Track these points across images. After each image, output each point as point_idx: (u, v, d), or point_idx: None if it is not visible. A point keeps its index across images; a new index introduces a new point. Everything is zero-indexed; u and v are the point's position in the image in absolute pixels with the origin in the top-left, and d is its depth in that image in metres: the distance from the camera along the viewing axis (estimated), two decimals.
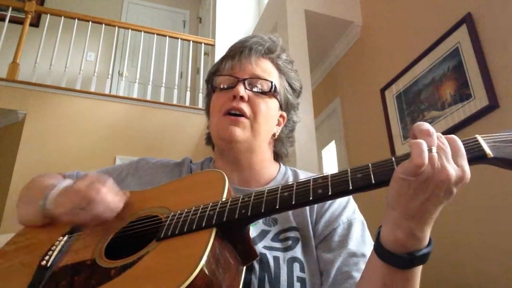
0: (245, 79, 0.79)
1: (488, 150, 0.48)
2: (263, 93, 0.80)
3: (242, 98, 0.78)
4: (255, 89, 0.80)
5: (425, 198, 0.48)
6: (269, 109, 0.81)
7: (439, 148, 0.48)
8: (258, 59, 0.82)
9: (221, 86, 0.82)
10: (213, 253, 0.53)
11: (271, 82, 0.81)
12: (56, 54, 4.08)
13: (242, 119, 0.77)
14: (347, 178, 0.52)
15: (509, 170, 0.49)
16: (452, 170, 0.47)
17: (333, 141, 3.47)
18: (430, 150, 0.47)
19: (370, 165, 0.52)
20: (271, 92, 0.81)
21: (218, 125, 0.79)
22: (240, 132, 0.77)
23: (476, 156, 0.49)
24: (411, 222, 0.49)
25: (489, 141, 0.50)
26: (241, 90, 0.78)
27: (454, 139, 0.49)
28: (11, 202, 3.20)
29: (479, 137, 0.50)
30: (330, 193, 0.52)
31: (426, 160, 0.46)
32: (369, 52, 3.07)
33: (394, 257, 0.51)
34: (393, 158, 0.52)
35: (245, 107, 0.78)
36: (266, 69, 0.82)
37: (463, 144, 0.50)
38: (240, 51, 0.82)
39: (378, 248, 0.53)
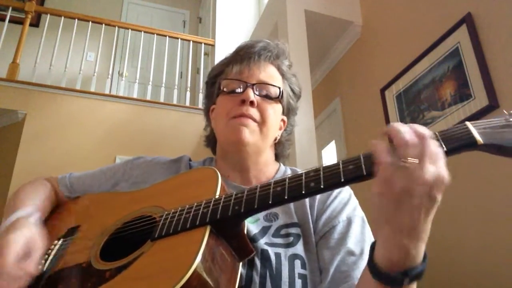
0: (253, 84, 0.80)
1: (478, 137, 0.47)
2: (270, 98, 0.82)
3: (251, 103, 0.78)
4: (263, 95, 0.81)
5: (408, 209, 0.46)
6: (276, 114, 0.83)
7: (414, 152, 0.46)
8: (265, 65, 0.84)
9: (229, 90, 0.82)
10: (208, 251, 0.53)
11: (279, 88, 0.83)
12: (56, 54, 4.07)
13: (251, 121, 0.78)
14: (338, 170, 0.52)
15: (500, 156, 0.49)
16: (428, 174, 0.45)
17: (333, 141, 3.46)
18: (400, 157, 0.46)
19: (361, 156, 0.51)
20: (278, 98, 0.82)
21: (227, 128, 0.79)
22: (249, 135, 0.78)
23: (466, 143, 0.48)
24: (403, 238, 0.47)
25: (479, 127, 0.49)
26: (251, 95, 0.78)
27: (426, 141, 0.46)
28: None
29: (469, 124, 0.49)
30: (322, 186, 0.52)
31: (390, 172, 0.46)
32: (369, 52, 3.06)
33: (388, 277, 0.49)
34: None
35: (254, 112, 0.79)
36: (272, 75, 0.84)
37: (453, 131, 0.49)
38: (248, 56, 0.83)
39: (372, 268, 0.51)
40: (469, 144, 0.48)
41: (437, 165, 0.46)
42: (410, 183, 0.45)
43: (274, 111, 0.82)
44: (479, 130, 0.48)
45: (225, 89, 0.83)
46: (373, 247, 0.52)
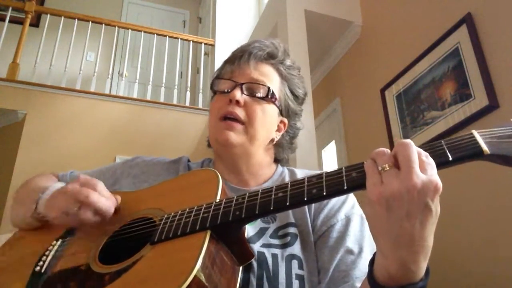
0: (242, 84, 0.80)
1: (485, 147, 0.47)
2: (260, 98, 0.80)
3: (237, 102, 0.78)
4: (252, 94, 0.80)
5: (399, 217, 0.45)
6: (266, 114, 0.81)
7: (403, 160, 0.46)
8: (257, 64, 0.82)
9: (220, 90, 0.82)
10: (208, 256, 0.52)
11: (268, 88, 0.81)
12: (56, 54, 4.08)
13: (236, 124, 0.78)
14: (341, 177, 0.51)
15: (506, 167, 0.48)
16: (417, 179, 0.44)
17: (333, 141, 3.46)
18: (383, 168, 0.46)
19: (364, 163, 0.51)
20: (268, 98, 0.81)
21: (214, 129, 0.80)
22: (235, 137, 0.77)
23: (472, 153, 0.47)
24: (400, 251, 0.46)
25: (485, 136, 0.48)
26: (237, 94, 0.78)
27: (412, 147, 0.46)
28: (11, 202, 3.20)
29: (475, 133, 0.49)
30: (324, 193, 0.51)
31: (377, 178, 0.46)
32: (369, 52, 3.06)
33: None
34: None
35: (240, 111, 0.78)
36: (265, 74, 0.82)
37: (459, 140, 0.49)
38: (240, 55, 0.82)
39: (371, 281, 0.50)
40: (475, 154, 0.47)
41: (428, 172, 0.45)
42: (398, 187, 0.44)
43: (264, 111, 0.80)
44: (485, 139, 0.48)
45: (216, 89, 0.83)
46: (373, 259, 0.51)
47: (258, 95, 0.80)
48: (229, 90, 0.80)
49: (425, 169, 0.45)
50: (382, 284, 0.48)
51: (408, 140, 0.47)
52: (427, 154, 0.47)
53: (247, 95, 0.79)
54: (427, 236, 0.46)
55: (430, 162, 0.46)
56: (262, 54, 0.83)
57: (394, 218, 0.45)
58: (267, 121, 0.81)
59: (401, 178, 0.45)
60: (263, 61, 0.83)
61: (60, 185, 0.74)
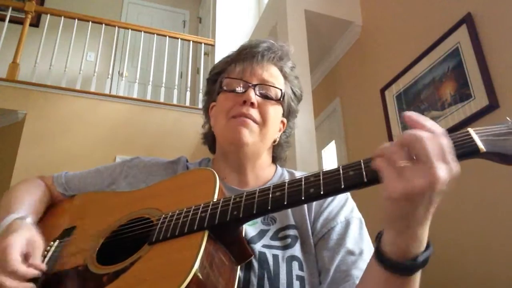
0: (255, 85, 0.80)
1: (480, 145, 0.47)
2: (271, 99, 0.81)
3: (252, 104, 0.78)
4: (264, 95, 0.81)
5: (426, 204, 0.45)
6: (276, 115, 0.83)
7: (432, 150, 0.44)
8: (268, 66, 0.83)
9: (230, 89, 0.82)
10: (206, 256, 0.52)
11: (281, 90, 0.82)
12: (56, 54, 4.07)
13: (251, 122, 0.78)
14: (339, 176, 0.51)
15: (503, 165, 0.48)
16: (442, 172, 0.43)
17: (333, 141, 3.46)
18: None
19: (362, 162, 0.50)
20: (279, 99, 0.82)
21: (227, 128, 0.79)
22: (249, 135, 0.77)
23: (468, 151, 0.47)
24: (418, 229, 0.48)
25: (481, 134, 0.48)
26: (253, 96, 0.78)
27: (438, 138, 0.45)
28: None
29: (471, 131, 0.49)
30: (322, 192, 0.51)
31: (396, 175, 0.45)
32: (369, 52, 3.06)
33: (396, 265, 0.49)
34: None
35: (254, 113, 0.78)
36: (275, 76, 0.83)
37: (455, 138, 0.48)
38: (252, 55, 0.82)
39: (379, 256, 0.51)
40: (472, 151, 0.47)
41: (448, 161, 0.44)
42: (422, 182, 0.43)
43: (275, 112, 0.82)
44: (481, 137, 0.48)
45: (226, 88, 0.82)
46: (378, 243, 0.52)
47: (271, 96, 0.81)
48: (242, 90, 0.80)
49: (446, 159, 0.44)
50: (393, 259, 0.49)
51: (419, 133, 0.45)
52: (446, 142, 0.45)
53: (259, 96, 0.80)
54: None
55: (448, 149, 0.45)
56: (274, 57, 0.84)
57: (421, 208, 0.46)
58: (277, 121, 0.83)
59: (424, 173, 0.43)
60: (273, 63, 0.84)
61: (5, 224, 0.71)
